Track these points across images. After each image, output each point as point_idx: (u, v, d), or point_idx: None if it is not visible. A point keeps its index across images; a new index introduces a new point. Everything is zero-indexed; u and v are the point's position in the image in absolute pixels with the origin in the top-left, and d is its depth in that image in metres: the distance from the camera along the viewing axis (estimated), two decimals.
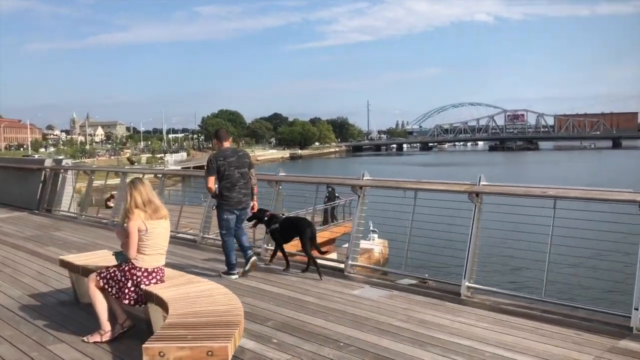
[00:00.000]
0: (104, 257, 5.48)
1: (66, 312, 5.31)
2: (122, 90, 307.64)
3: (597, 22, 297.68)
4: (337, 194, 18.60)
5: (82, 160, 64.10)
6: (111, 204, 15.28)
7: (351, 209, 18.73)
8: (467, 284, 5.60)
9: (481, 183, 5.69)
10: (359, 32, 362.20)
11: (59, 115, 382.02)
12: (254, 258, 6.55)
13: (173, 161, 78.39)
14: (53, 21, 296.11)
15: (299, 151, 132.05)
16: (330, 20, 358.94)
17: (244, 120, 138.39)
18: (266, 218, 6.71)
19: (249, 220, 6.84)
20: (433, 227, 6.59)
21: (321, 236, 16.59)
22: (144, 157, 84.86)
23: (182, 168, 54.00)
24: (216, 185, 6.45)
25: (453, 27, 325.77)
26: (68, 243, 9.07)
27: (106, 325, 4.47)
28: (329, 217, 18.62)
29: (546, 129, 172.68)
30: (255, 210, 6.74)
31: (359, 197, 6.67)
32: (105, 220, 11.47)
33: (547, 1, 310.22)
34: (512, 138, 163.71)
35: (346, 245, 14.39)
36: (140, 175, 10.82)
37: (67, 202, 12.91)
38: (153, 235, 4.49)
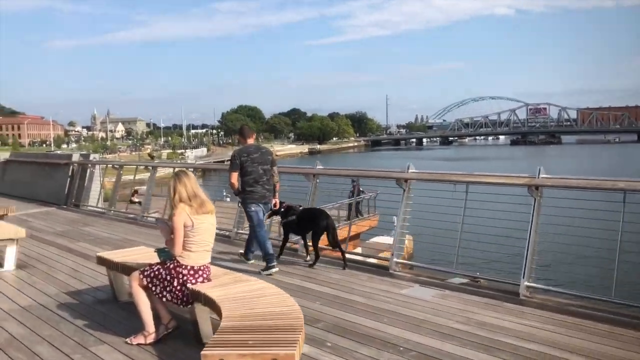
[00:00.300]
0: (143, 254, 5.23)
1: (105, 310, 5.08)
2: (141, 87, 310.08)
3: (622, 13, 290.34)
4: (361, 189, 18.32)
5: (104, 156, 64.54)
6: (135, 199, 15.25)
7: (376, 203, 18.75)
8: (526, 283, 5.24)
9: (541, 175, 5.32)
10: (376, 26, 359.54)
11: (80, 111, 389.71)
12: (276, 269, 6.29)
13: (193, 157, 78.59)
14: (74, 18, 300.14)
15: (318, 146, 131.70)
16: (348, 14, 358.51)
17: (263, 115, 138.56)
18: (282, 209, 6.65)
19: (269, 216, 6.82)
20: (483, 222, 6.20)
21: (346, 231, 16.34)
22: (165, 152, 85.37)
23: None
24: (239, 181, 6.45)
25: (472, 21, 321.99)
26: (99, 239, 8.88)
27: (150, 326, 4.22)
28: (354, 211, 18.33)
29: (569, 123, 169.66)
30: (277, 207, 6.68)
31: (404, 190, 6.31)
32: (132, 215, 11.33)
33: None
34: (534, 132, 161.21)
35: (372, 240, 14.34)
36: (171, 169, 10.71)
37: (95, 197, 12.76)
38: (199, 231, 4.22)
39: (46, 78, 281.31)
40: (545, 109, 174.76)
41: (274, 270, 6.21)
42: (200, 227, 4.23)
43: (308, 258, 6.78)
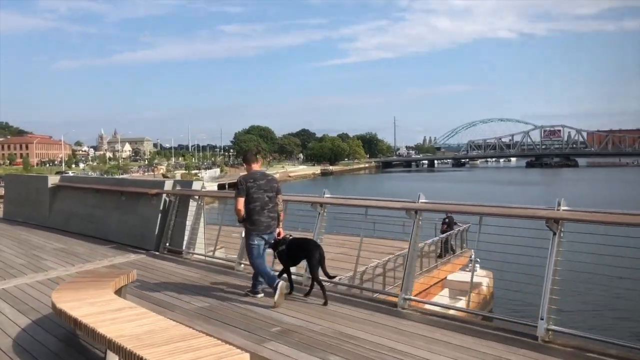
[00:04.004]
0: None
1: None
2: (147, 107, 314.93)
3: (624, 37, 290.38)
4: (455, 221, 17.97)
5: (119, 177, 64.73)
6: None
7: (467, 236, 18.04)
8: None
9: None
10: (380, 49, 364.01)
11: (85, 131, 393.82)
12: (281, 283, 6.06)
13: (208, 177, 78.78)
14: (81, 40, 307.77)
15: (330, 167, 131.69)
16: (352, 37, 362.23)
17: (275, 135, 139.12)
18: (272, 240, 6.41)
19: (272, 246, 6.43)
20: (495, 257, 5.82)
21: (444, 270, 15.85)
22: (178, 173, 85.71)
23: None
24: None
25: (476, 44, 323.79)
26: (294, 331, 5.25)
27: None
28: (447, 247, 17.77)
29: (584, 145, 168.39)
30: (281, 236, 6.44)
31: (555, 232, 5.02)
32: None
33: (572, 17, 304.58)
34: (549, 154, 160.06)
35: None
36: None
37: (202, 241, 9.43)
38: None
39: (52, 98, 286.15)
40: (559, 131, 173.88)
41: (279, 287, 5.98)
42: None
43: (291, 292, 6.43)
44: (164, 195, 9.99)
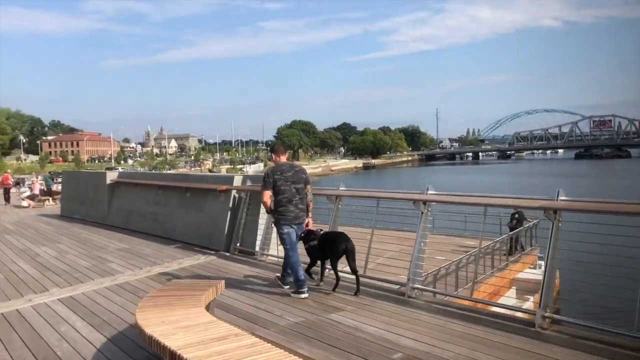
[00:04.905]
0: None
1: None
2: (190, 104, 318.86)
3: None
4: (525, 216, 16.93)
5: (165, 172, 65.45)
6: None
7: (537, 233, 16.70)
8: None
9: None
10: (420, 41, 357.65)
11: (132, 128, 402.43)
12: (305, 295, 6.10)
13: (252, 172, 78.99)
14: (126, 39, 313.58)
15: (372, 160, 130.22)
16: (392, 30, 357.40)
17: (317, 130, 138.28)
18: (302, 234, 6.38)
19: (303, 238, 6.38)
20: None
21: (513, 270, 14.87)
22: (224, 168, 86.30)
23: None
24: (271, 200, 6.36)
25: (518, 33, 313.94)
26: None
27: None
28: (516, 244, 16.28)
29: (636, 135, 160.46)
30: (310, 226, 6.48)
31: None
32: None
33: (620, 2, 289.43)
34: (599, 145, 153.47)
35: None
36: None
37: (275, 240, 7.94)
38: None
39: (99, 96, 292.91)
40: (610, 121, 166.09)
41: (302, 295, 6.05)
42: None
43: (321, 283, 6.44)
44: (234, 192, 9.18)
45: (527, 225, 17.36)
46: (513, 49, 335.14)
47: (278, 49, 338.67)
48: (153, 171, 58.96)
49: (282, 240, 6.37)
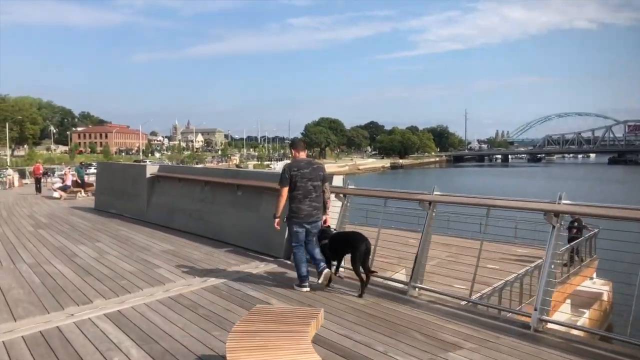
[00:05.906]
0: None
1: None
2: (218, 99, 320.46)
3: None
4: (584, 224, 15.70)
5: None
6: None
7: (596, 243, 15.86)
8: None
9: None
10: (450, 40, 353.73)
11: (159, 122, 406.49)
12: (326, 270, 6.09)
13: (280, 168, 78.33)
14: (155, 33, 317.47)
15: (400, 160, 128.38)
16: (421, 29, 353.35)
17: (344, 127, 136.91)
18: (316, 230, 6.25)
19: (319, 238, 6.27)
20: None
21: (571, 284, 13.56)
22: (251, 164, 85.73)
23: None
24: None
25: (551, 35, 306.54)
26: None
27: None
28: (575, 255, 15.18)
29: None
30: (327, 224, 6.42)
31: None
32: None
33: None
34: (634, 151, 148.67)
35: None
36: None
37: None
38: None
39: (128, 89, 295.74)
40: None
41: (304, 289, 6.12)
42: None
43: (331, 284, 6.24)
44: None
45: (587, 234, 16.12)
46: (545, 51, 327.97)
47: (307, 45, 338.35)
48: (181, 165, 58.51)
49: (290, 236, 6.37)
